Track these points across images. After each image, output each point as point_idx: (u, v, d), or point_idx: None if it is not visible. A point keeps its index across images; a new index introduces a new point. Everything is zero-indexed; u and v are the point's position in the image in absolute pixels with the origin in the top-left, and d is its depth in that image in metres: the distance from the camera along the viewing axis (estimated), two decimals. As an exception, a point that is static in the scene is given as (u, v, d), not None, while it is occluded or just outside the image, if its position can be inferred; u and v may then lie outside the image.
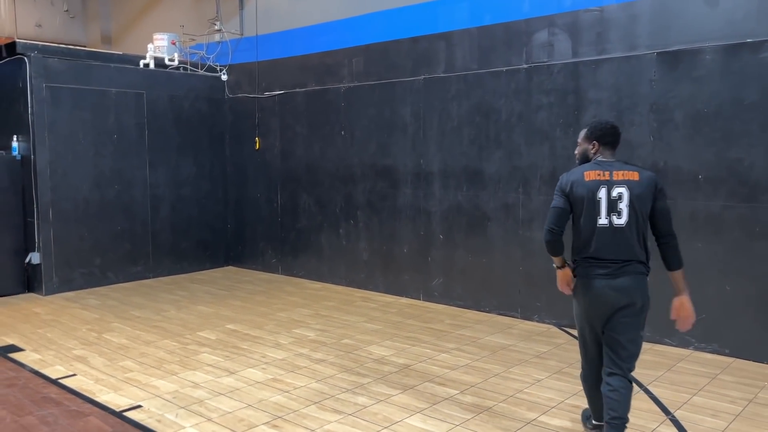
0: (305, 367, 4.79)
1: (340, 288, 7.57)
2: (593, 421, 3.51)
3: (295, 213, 8.20)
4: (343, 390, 4.31)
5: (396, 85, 7.03)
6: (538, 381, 4.47)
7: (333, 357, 5.02)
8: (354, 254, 7.57)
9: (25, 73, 7.08)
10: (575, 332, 3.64)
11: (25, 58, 7.07)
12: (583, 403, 3.79)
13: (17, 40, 7.32)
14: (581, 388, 3.63)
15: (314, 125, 7.91)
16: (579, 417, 3.79)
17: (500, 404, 4.06)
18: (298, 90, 8.03)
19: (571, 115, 5.70)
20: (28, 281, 7.33)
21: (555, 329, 5.76)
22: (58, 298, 7.07)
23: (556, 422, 3.77)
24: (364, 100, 7.36)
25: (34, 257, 7.19)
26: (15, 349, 5.23)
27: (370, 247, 7.42)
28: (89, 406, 4.06)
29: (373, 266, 7.39)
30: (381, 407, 4.01)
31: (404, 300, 6.94)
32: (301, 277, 8.14)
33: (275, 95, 8.27)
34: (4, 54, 7.40)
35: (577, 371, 3.95)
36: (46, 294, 7.18)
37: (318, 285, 7.77)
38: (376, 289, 7.33)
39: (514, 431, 3.66)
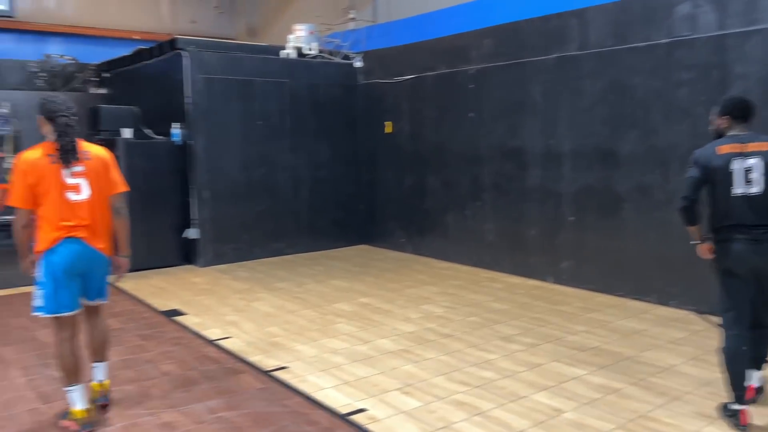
0: (434, 340, 5.01)
1: (465, 268, 7.71)
2: (734, 406, 3.40)
3: (423, 194, 8.43)
4: (470, 364, 4.48)
5: (526, 65, 6.99)
6: (673, 366, 4.36)
7: (460, 333, 5.19)
8: (480, 235, 7.66)
9: (183, 66, 7.85)
10: (715, 319, 3.60)
11: (184, 53, 7.84)
12: (719, 391, 3.68)
13: (176, 37, 8.12)
14: (718, 375, 3.52)
15: (443, 108, 8.06)
16: (713, 404, 3.68)
17: (629, 387, 4.02)
18: (428, 74, 8.20)
19: (715, 91, 5.38)
20: (187, 254, 8.18)
21: (693, 316, 5.53)
22: (212, 270, 7.83)
23: (688, 408, 3.69)
24: (493, 82, 7.38)
25: (192, 233, 8.02)
26: (178, 313, 5.93)
27: (496, 228, 7.48)
28: (242, 365, 4.55)
29: (500, 247, 7.44)
30: (508, 382, 4.14)
31: (532, 282, 6.95)
32: (428, 256, 8.37)
33: (406, 80, 8.51)
34: (165, 49, 8.24)
35: (715, 358, 3.82)
36: (202, 266, 7.99)
37: (444, 264, 7.96)
38: (502, 270, 7.38)
39: (643, 413, 3.64)
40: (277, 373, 4.34)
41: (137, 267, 7.61)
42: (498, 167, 7.42)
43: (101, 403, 3.75)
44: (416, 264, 8.06)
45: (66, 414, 3.55)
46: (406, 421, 3.60)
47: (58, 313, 3.43)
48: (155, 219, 7.86)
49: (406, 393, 3.98)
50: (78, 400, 3.48)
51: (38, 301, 3.44)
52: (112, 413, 3.73)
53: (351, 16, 9.24)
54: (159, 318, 5.77)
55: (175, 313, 5.91)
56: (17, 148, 8.53)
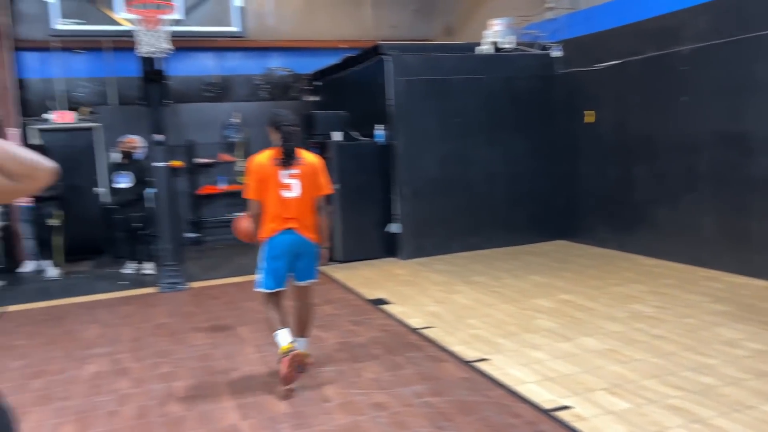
0: (643, 341, 4.74)
1: (678, 265, 7.12)
2: None
3: (629, 186, 7.94)
4: (687, 368, 4.16)
5: (751, 41, 6.25)
6: None
7: (674, 335, 4.84)
8: (696, 230, 7.03)
9: (386, 70, 8.30)
10: None
11: (386, 57, 8.28)
12: None
13: (379, 43, 8.60)
14: None
15: (650, 93, 7.51)
16: None
17: None
18: (633, 58, 7.70)
19: None
20: (390, 247, 8.63)
21: None
22: (413, 263, 8.18)
23: None
24: (710, 62, 6.72)
25: (394, 227, 8.45)
26: (384, 302, 6.31)
27: (715, 222, 6.80)
28: (444, 354, 4.72)
29: (720, 243, 6.76)
30: (731, 390, 3.78)
31: (760, 282, 6.22)
32: (634, 252, 7.87)
33: (608, 66, 8.08)
34: (369, 55, 8.77)
35: None
36: (403, 258, 8.38)
37: (653, 261, 7.43)
38: (723, 268, 6.70)
39: None
40: (478, 364, 4.44)
41: (348, 258, 8.28)
42: (717, 155, 6.74)
43: (299, 371, 4.12)
44: (621, 261, 7.64)
45: (279, 357, 4.07)
46: (615, 422, 3.47)
47: (269, 289, 4.15)
48: (362, 215, 8.43)
49: (614, 393, 3.83)
50: (282, 340, 4.05)
51: (258, 279, 4.17)
52: (330, 390, 4.11)
53: (549, 5, 9.01)
54: (367, 306, 6.19)
55: (381, 302, 6.29)
56: (247, 153, 9.68)
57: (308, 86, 11.24)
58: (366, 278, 7.42)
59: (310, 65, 11.05)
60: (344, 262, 8.28)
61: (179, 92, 10.29)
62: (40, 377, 4.65)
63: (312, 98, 11.14)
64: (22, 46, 9.61)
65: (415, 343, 5.01)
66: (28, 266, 8.96)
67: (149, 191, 9.97)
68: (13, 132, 9.31)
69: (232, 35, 7.37)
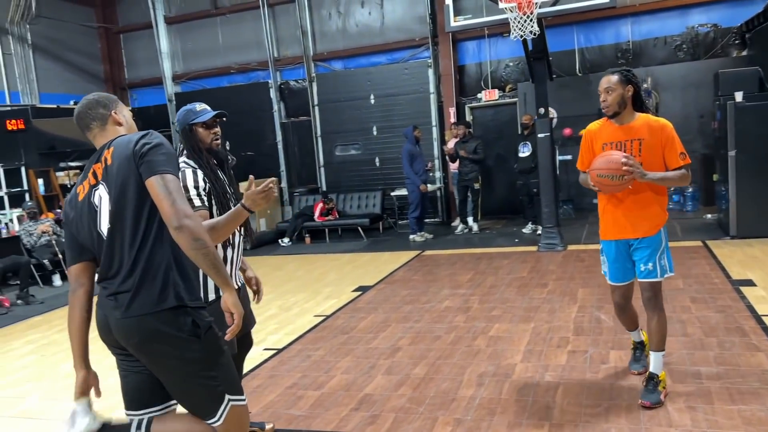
0: None
1: None
2: None
3: None
4: None
5: None
6: None
7: None
8: None
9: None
10: None
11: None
12: None
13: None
14: None
15: None
16: None
17: None
18: None
19: None
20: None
21: None
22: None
23: None
24: None
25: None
26: (749, 283, 5.63)
27: None
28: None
29: None
30: None
31: None
32: None
33: None
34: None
35: None
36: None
37: None
38: None
39: None
40: (802, 363, 3.81)
41: (743, 234, 7.41)
42: None
43: (642, 400, 3.44)
44: None
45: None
46: None
47: (611, 281, 3.63)
48: (765, 186, 7.38)
49: None
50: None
51: (603, 267, 3.68)
52: None
53: None
54: (724, 286, 5.64)
55: (746, 283, 5.64)
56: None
57: (736, 40, 10.01)
58: (748, 256, 6.60)
59: (740, 16, 9.81)
60: (738, 237, 7.44)
61: (593, 62, 10.69)
62: (411, 304, 6.10)
63: (741, 53, 9.91)
64: (460, 38, 11.52)
65: (744, 328, 4.50)
66: (456, 222, 10.95)
67: (561, 158, 10.82)
68: (451, 111, 11.38)
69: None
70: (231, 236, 2.97)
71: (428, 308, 5.88)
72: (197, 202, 2.85)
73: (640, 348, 3.93)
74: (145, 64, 13.51)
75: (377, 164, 11.90)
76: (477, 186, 9.84)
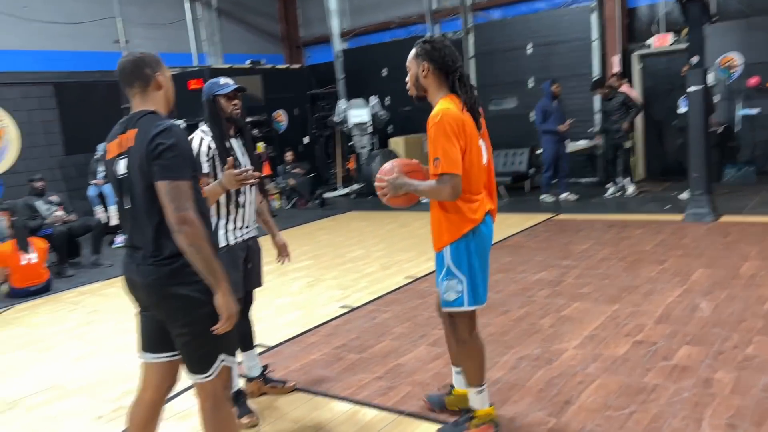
0: None
1: None
2: None
3: None
4: None
5: None
6: None
7: None
8: None
9: None
10: None
11: None
12: None
13: None
14: None
15: None
16: None
17: None
18: None
19: None
20: None
21: None
22: None
23: None
24: None
25: None
26: None
27: None
28: None
29: None
30: None
31: None
32: None
33: None
34: None
35: None
36: None
37: None
38: None
39: None
40: None
41: None
42: None
43: None
44: None
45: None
46: None
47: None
48: None
49: None
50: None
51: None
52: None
53: None
54: None
55: None
56: None
57: None
58: None
59: None
60: None
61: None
62: (503, 272, 5.81)
63: None
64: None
65: None
66: (609, 183, 10.03)
67: (744, 113, 9.38)
68: (615, 60, 10.29)
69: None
70: (241, 188, 3.23)
71: (518, 279, 5.59)
72: (205, 168, 3.19)
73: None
74: (318, 22, 14.16)
75: (531, 119, 11.29)
76: (627, 145, 8.90)
